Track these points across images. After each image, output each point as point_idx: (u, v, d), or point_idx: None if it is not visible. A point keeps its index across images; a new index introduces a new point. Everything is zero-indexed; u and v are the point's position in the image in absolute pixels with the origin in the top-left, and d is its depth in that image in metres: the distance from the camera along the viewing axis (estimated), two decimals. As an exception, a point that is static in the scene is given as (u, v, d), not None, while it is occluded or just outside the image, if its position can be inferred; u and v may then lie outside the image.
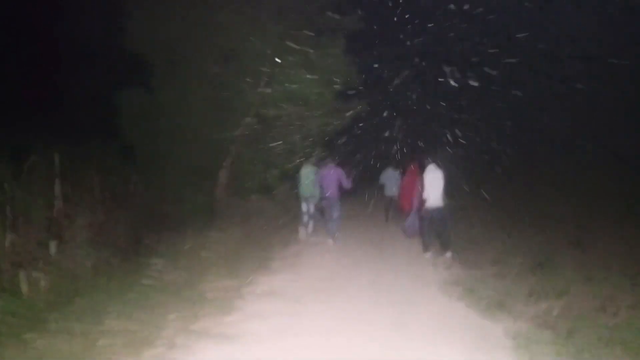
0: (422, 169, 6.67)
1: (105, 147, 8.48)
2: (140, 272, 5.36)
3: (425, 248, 6.49)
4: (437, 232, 6.44)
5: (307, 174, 7.75)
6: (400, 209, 8.45)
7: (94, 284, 5.34)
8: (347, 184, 7.54)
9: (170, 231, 7.88)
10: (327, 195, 7.42)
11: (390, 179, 9.24)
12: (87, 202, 7.73)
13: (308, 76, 8.35)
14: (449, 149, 10.85)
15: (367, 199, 10.64)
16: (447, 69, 12.03)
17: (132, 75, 8.78)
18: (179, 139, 8.89)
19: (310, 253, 6.76)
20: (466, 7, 10.71)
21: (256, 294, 4.65)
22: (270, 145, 8.92)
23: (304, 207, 7.81)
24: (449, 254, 6.22)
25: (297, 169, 8.08)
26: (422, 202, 6.46)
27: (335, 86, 8.93)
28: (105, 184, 8.21)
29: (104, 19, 8.85)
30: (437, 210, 6.32)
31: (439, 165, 6.46)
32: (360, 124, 10.84)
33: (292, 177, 8.69)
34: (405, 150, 11.62)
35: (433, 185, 6.30)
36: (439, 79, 12.77)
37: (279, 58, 8.48)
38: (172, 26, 8.15)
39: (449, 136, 11.89)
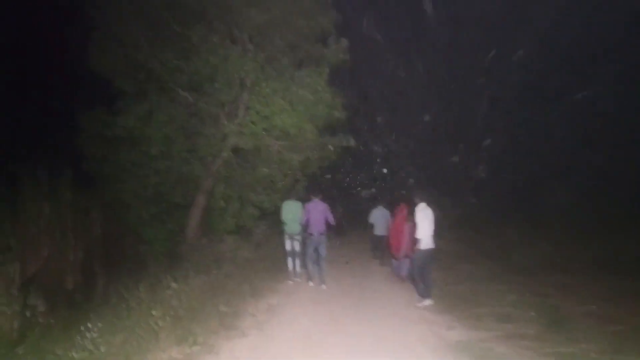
0: (411, 208, 6.08)
1: (59, 173, 7.53)
2: (74, 338, 4.33)
3: (421, 297, 5.78)
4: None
5: (292, 210, 6.96)
6: (390, 251, 7.71)
7: (14, 352, 4.32)
8: (331, 219, 6.93)
9: (127, 275, 6.87)
10: (314, 232, 6.67)
11: (380, 219, 8.80)
12: (31, 235, 6.81)
13: (288, 108, 7.65)
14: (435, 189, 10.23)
15: (354, 239, 9.83)
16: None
17: (97, 98, 7.92)
18: (146, 170, 7.99)
19: (287, 306, 5.82)
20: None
21: (212, 371, 3.71)
22: (248, 180, 8.11)
23: (288, 245, 6.99)
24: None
25: (277, 208, 7.24)
26: (414, 243, 5.82)
27: (318, 119, 8.25)
28: (55, 214, 7.25)
29: (66, 36, 8.04)
30: (431, 252, 5.76)
31: (429, 204, 5.88)
32: (348, 159, 10.15)
33: (271, 216, 7.82)
34: (395, 188, 10.97)
35: (425, 225, 5.70)
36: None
37: (257, 86, 7.79)
38: (141, 45, 7.36)
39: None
